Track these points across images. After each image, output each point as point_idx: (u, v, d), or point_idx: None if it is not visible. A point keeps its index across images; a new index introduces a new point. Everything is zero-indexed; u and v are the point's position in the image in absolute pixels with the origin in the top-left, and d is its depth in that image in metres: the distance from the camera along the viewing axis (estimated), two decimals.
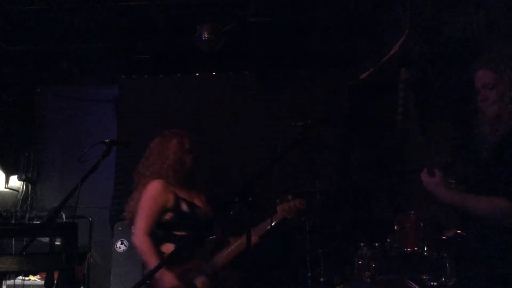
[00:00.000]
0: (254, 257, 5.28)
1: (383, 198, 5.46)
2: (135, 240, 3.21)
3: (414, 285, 3.43)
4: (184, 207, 3.28)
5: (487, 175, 2.28)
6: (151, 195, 3.27)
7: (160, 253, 3.18)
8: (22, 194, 6.07)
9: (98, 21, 4.95)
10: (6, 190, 6.01)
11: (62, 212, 4.33)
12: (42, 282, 4.33)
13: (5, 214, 5.56)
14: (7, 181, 6.02)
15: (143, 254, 3.16)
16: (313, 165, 5.35)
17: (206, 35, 4.94)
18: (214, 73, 6.04)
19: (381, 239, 3.86)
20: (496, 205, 2.17)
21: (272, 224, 3.31)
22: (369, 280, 3.69)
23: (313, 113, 5.46)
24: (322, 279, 4.20)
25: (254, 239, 3.14)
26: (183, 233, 3.25)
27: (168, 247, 3.20)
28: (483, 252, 2.29)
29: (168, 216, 3.26)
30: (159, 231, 3.26)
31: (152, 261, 3.10)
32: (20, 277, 4.34)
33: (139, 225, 3.23)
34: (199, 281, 3.17)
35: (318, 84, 5.75)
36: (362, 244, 3.86)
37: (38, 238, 2.05)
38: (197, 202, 3.39)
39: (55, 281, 1.86)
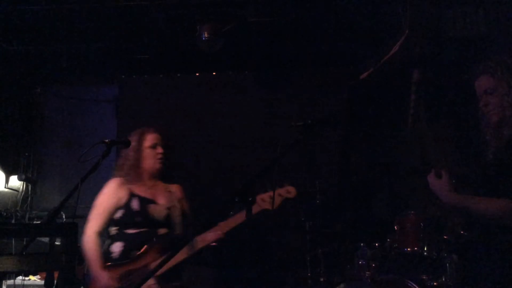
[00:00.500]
0: (255, 257, 5.29)
1: (383, 198, 5.46)
2: (82, 238, 3.21)
3: (414, 285, 3.43)
4: (135, 204, 3.22)
5: (493, 178, 2.30)
6: (103, 194, 3.30)
7: (107, 253, 3.17)
8: (22, 194, 6.06)
9: (98, 21, 4.94)
10: (6, 190, 6.01)
11: (62, 212, 4.33)
12: (42, 282, 4.33)
13: (5, 214, 5.56)
14: (7, 181, 6.01)
15: (84, 252, 3.16)
16: (313, 165, 5.35)
17: (206, 35, 4.94)
18: (214, 73, 6.04)
19: (381, 239, 3.86)
20: (499, 206, 2.19)
21: (248, 216, 3.12)
22: (369, 280, 3.68)
23: (313, 113, 5.46)
24: (322, 279, 4.20)
25: (217, 234, 3.09)
26: (134, 231, 3.18)
27: (117, 246, 3.18)
28: (488, 253, 2.30)
29: (119, 214, 3.24)
30: (112, 230, 3.25)
31: (89, 260, 3.12)
32: (20, 277, 4.34)
33: (88, 224, 3.26)
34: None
35: (318, 84, 5.74)
36: (362, 244, 3.86)
37: (38, 238, 2.05)
38: (159, 198, 3.30)
39: (55, 281, 1.86)
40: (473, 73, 2.45)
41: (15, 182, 6.05)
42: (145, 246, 3.13)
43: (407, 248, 3.60)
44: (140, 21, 5.02)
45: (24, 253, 2.43)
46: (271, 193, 3.16)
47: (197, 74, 6.04)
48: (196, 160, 5.64)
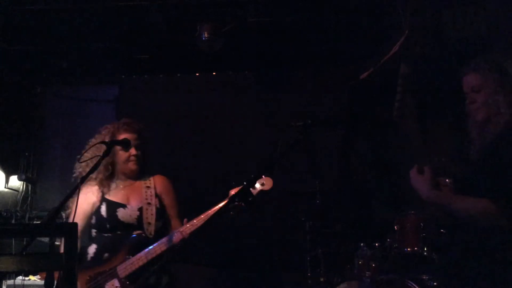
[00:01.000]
0: (255, 257, 5.29)
1: (383, 198, 5.46)
2: None
3: (414, 285, 3.42)
4: (103, 210, 3.15)
5: (476, 177, 2.27)
6: (79, 200, 2.96)
7: (85, 254, 3.15)
8: (22, 194, 6.06)
9: (98, 21, 4.94)
10: (6, 190, 6.01)
11: (62, 212, 4.33)
12: (42, 282, 4.33)
13: (5, 214, 5.56)
14: (7, 181, 6.01)
15: None
16: (313, 165, 5.34)
17: (206, 35, 4.94)
18: (214, 73, 6.03)
19: (381, 239, 3.86)
20: (480, 206, 2.15)
21: (216, 210, 2.91)
22: (369, 280, 3.68)
23: (313, 113, 5.46)
24: (322, 279, 4.20)
25: (180, 235, 2.94)
26: (108, 234, 3.14)
27: (92, 248, 3.16)
28: (465, 253, 2.27)
29: (93, 219, 3.19)
30: (92, 232, 3.21)
31: None
32: (20, 277, 4.33)
33: None
34: (108, 285, 3.00)
35: (318, 84, 5.74)
36: (362, 244, 3.86)
37: (38, 238, 2.05)
38: (131, 200, 3.18)
39: (55, 281, 1.86)
40: (461, 71, 2.44)
41: (15, 182, 6.05)
42: (116, 249, 3.08)
43: (407, 248, 3.60)
44: (140, 21, 5.02)
45: (24, 253, 2.43)
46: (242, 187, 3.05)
47: (197, 74, 6.04)
48: (195, 160, 5.64)
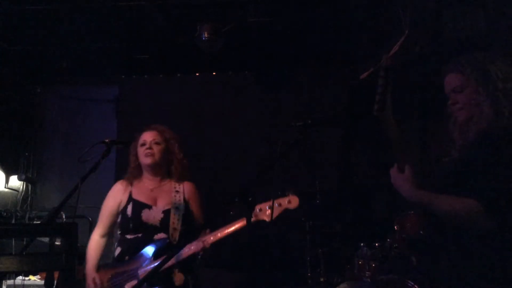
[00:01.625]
0: (255, 257, 5.29)
1: (383, 198, 5.46)
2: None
3: (414, 285, 3.43)
4: (129, 210, 3.19)
5: (459, 176, 2.19)
6: (108, 196, 3.33)
7: (114, 255, 3.21)
8: (22, 194, 6.07)
9: (98, 21, 4.94)
10: (6, 190, 6.01)
11: (62, 212, 4.33)
12: (42, 282, 4.33)
13: (5, 214, 5.56)
14: (7, 181, 6.02)
15: (87, 251, 3.25)
16: (313, 165, 5.34)
17: (206, 35, 4.94)
18: (214, 73, 6.03)
19: (381, 239, 3.86)
20: (464, 206, 2.06)
21: (247, 219, 2.91)
22: (369, 280, 3.69)
23: (313, 113, 5.46)
24: (322, 279, 4.20)
25: (201, 245, 3.00)
26: (131, 236, 3.16)
27: (117, 250, 3.21)
28: (444, 254, 2.23)
29: (119, 218, 3.25)
30: (117, 233, 3.26)
31: (87, 259, 3.19)
32: (20, 277, 4.33)
33: (96, 225, 3.34)
34: (128, 285, 3.05)
35: (318, 84, 5.75)
36: (362, 244, 3.87)
37: (38, 238, 2.05)
38: (159, 201, 3.23)
39: (55, 281, 1.86)
40: (443, 71, 2.38)
41: (15, 182, 6.05)
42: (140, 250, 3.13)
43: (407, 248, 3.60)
44: (140, 21, 5.02)
45: (24, 253, 2.44)
46: (270, 203, 2.99)
47: (197, 74, 6.04)
48: (196, 160, 5.64)
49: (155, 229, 3.14)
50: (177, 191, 3.29)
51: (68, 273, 1.68)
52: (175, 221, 3.16)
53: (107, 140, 2.99)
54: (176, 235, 3.13)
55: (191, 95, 5.91)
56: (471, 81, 2.22)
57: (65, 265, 1.66)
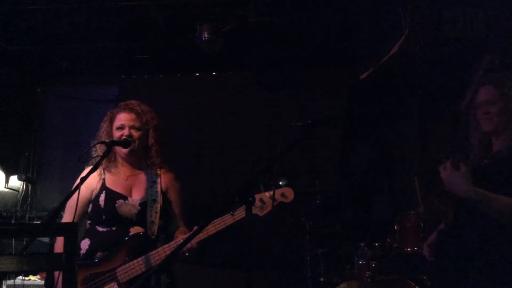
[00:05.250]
0: (255, 257, 5.28)
1: (383, 198, 5.46)
2: None
3: (414, 285, 3.43)
4: (102, 200, 2.89)
5: (490, 180, 2.36)
6: (77, 183, 2.74)
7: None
8: (22, 194, 6.07)
9: (98, 21, 4.94)
10: (6, 190, 6.01)
11: (62, 212, 4.33)
12: (42, 282, 4.33)
13: (5, 214, 5.57)
14: (7, 181, 6.02)
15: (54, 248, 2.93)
16: (313, 165, 5.35)
17: (206, 35, 4.94)
18: (214, 73, 6.03)
19: (381, 239, 3.86)
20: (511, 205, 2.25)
21: (233, 221, 2.70)
22: (369, 280, 3.69)
23: (313, 113, 5.46)
24: (322, 279, 4.20)
25: (189, 244, 2.65)
26: (103, 229, 2.88)
27: (85, 243, 2.89)
28: (480, 251, 2.31)
29: (90, 208, 2.94)
30: (87, 223, 2.97)
31: None
32: (20, 277, 4.33)
33: (63, 217, 3.03)
34: None
35: (318, 84, 5.75)
36: (362, 244, 3.87)
37: (38, 238, 2.04)
38: (134, 192, 2.96)
39: (55, 281, 1.86)
40: (478, 81, 2.54)
41: (15, 182, 6.05)
42: (116, 246, 2.83)
43: (407, 248, 3.61)
44: (140, 21, 5.02)
45: (24, 253, 2.43)
46: (262, 195, 2.80)
47: (197, 74, 6.04)
48: (196, 160, 5.64)
49: (131, 222, 2.87)
50: (153, 181, 2.99)
51: (68, 273, 1.68)
52: (153, 214, 2.89)
53: (107, 141, 2.98)
54: (155, 229, 2.87)
55: (191, 95, 5.91)
56: (505, 97, 2.43)
57: (65, 265, 1.66)
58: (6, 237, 4.20)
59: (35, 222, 5.46)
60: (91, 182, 2.92)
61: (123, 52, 5.61)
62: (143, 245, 2.83)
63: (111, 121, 3.07)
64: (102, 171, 3.00)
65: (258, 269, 5.19)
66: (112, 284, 2.77)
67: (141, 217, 2.90)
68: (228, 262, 4.99)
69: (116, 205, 2.89)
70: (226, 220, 2.75)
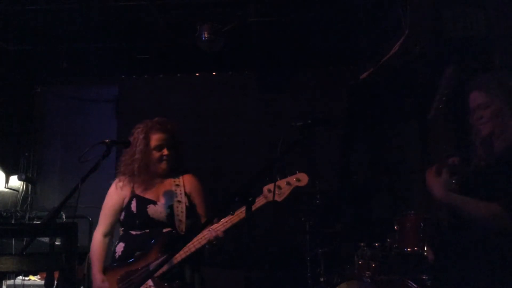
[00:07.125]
0: (255, 257, 5.28)
1: (383, 198, 5.46)
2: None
3: (414, 285, 3.43)
4: (133, 206, 3.12)
5: (485, 182, 2.38)
6: (107, 194, 3.24)
7: (114, 253, 3.13)
8: (22, 194, 6.07)
9: (98, 21, 4.95)
10: (6, 190, 6.01)
11: (62, 212, 4.33)
12: (42, 282, 4.33)
13: (5, 214, 5.56)
14: (7, 181, 6.01)
15: (90, 253, 3.17)
16: (313, 165, 5.34)
17: (206, 35, 4.94)
18: (214, 73, 6.03)
19: (381, 239, 3.86)
20: (490, 210, 2.26)
21: (247, 216, 2.71)
22: (369, 280, 3.68)
23: (313, 113, 5.46)
24: (322, 279, 4.20)
25: (215, 233, 2.92)
26: (136, 232, 3.09)
27: (120, 246, 3.11)
28: (480, 251, 2.32)
29: (122, 215, 3.17)
30: (120, 230, 3.20)
31: (92, 261, 3.11)
32: (20, 277, 4.33)
33: (97, 226, 3.25)
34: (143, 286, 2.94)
35: (318, 84, 5.75)
36: (362, 244, 3.87)
37: (38, 238, 2.05)
38: (161, 197, 3.16)
39: (55, 281, 1.86)
40: (468, 87, 2.54)
41: (15, 182, 6.05)
42: (147, 246, 3.05)
43: (407, 248, 3.60)
44: (140, 21, 5.03)
45: (24, 253, 2.43)
46: (279, 183, 2.93)
47: (197, 74, 6.04)
48: (196, 160, 5.64)
49: (162, 224, 3.09)
50: (177, 185, 3.21)
51: (68, 273, 1.68)
52: (179, 213, 3.11)
53: (107, 141, 2.98)
54: (183, 227, 3.09)
55: (191, 95, 5.91)
56: (495, 99, 2.42)
57: (65, 265, 1.66)
58: (6, 237, 4.20)
59: (35, 222, 5.45)
60: (121, 192, 3.20)
61: (123, 52, 5.62)
62: (175, 242, 3.02)
63: (147, 141, 3.22)
64: (131, 180, 3.21)
65: (258, 269, 5.19)
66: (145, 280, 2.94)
67: (170, 218, 3.11)
68: (228, 262, 4.99)
69: (148, 209, 3.10)
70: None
